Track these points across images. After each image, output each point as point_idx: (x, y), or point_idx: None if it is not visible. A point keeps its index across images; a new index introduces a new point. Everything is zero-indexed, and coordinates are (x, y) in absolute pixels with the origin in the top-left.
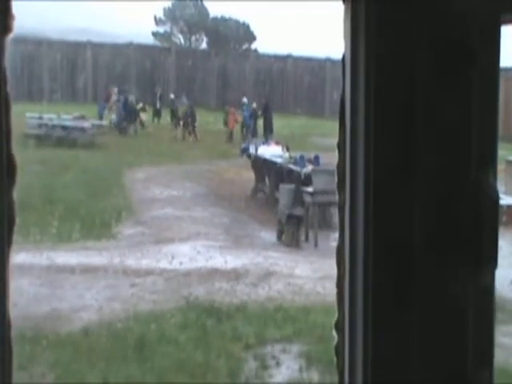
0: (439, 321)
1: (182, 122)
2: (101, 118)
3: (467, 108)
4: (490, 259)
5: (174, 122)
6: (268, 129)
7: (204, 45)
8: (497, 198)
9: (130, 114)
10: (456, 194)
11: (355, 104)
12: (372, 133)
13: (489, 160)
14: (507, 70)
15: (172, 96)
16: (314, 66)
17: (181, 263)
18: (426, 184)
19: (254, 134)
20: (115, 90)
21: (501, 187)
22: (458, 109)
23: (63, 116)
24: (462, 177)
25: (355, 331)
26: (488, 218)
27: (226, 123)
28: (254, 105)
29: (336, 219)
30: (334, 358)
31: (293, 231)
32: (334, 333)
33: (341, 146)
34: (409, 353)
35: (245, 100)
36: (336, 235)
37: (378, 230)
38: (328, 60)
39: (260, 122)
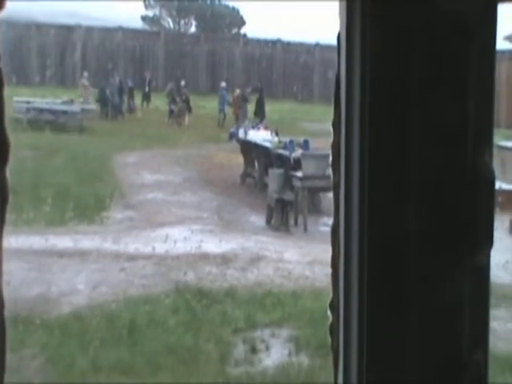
0: (434, 302)
1: (178, 107)
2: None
3: (464, 87)
4: (485, 239)
5: (177, 109)
6: (260, 113)
7: (193, 29)
8: (493, 179)
9: (119, 98)
10: (452, 174)
11: (350, 83)
12: (367, 112)
13: (485, 141)
14: None
15: (171, 85)
16: (303, 51)
17: (170, 247)
18: (422, 163)
19: (243, 117)
20: (85, 74)
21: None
22: (454, 88)
23: (52, 100)
24: (458, 157)
25: (350, 311)
26: (484, 198)
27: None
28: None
29: (325, 204)
30: (326, 340)
31: (282, 216)
32: (329, 313)
33: (336, 126)
34: (404, 334)
35: (223, 84)
36: (325, 220)
37: (373, 209)
38: (317, 45)
39: (246, 106)
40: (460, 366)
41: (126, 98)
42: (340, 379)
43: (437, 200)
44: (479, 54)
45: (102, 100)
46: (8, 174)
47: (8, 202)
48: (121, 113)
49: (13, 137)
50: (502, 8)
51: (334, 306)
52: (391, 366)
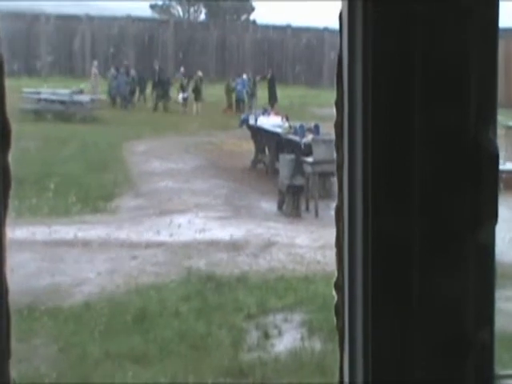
0: (438, 279)
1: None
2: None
3: (466, 64)
4: (489, 216)
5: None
6: (272, 99)
7: (203, 16)
8: (496, 154)
9: (129, 87)
10: (456, 150)
11: (352, 62)
12: (370, 90)
13: (488, 117)
14: (508, 30)
15: (182, 70)
16: (312, 36)
17: (181, 235)
18: (425, 140)
19: (252, 105)
20: (95, 63)
21: (501, 153)
22: (456, 65)
23: (61, 90)
24: (461, 133)
25: (355, 290)
26: (487, 173)
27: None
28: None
29: (336, 189)
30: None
31: (293, 201)
32: (334, 292)
33: (339, 105)
34: (408, 313)
35: (245, 76)
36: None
37: (377, 189)
38: (326, 30)
39: (259, 93)
40: (465, 345)
41: (135, 88)
42: (346, 359)
43: (440, 177)
44: (481, 33)
45: (111, 89)
46: (11, 160)
47: (11, 188)
48: (130, 102)
49: (23, 127)
50: None
51: (338, 286)
52: (396, 344)
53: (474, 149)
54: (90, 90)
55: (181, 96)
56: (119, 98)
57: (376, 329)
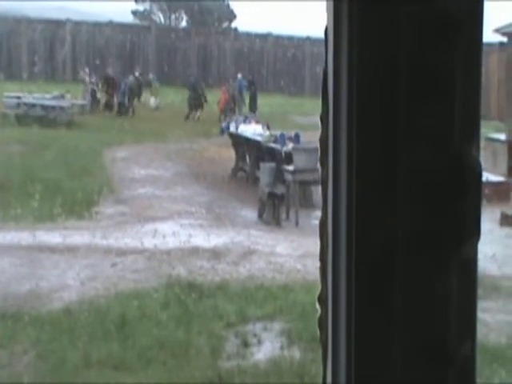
0: (421, 295)
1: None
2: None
3: (451, 80)
4: (472, 233)
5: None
6: (253, 106)
7: (184, 23)
8: (480, 171)
9: (128, 94)
10: (439, 168)
11: (338, 76)
12: (355, 105)
13: (472, 134)
14: (484, 45)
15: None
16: (294, 45)
17: (162, 242)
18: (409, 158)
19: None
20: (86, 70)
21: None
22: (441, 81)
23: (42, 95)
24: (444, 149)
25: (338, 304)
26: (471, 190)
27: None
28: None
29: (317, 197)
30: (317, 332)
31: (273, 209)
32: (318, 306)
33: (324, 119)
34: (391, 328)
35: (239, 76)
36: (317, 213)
37: (361, 204)
38: (308, 39)
39: (240, 101)
40: (447, 359)
41: (131, 97)
42: (329, 373)
43: (424, 194)
44: (466, 49)
45: (94, 95)
46: None
47: None
48: (112, 107)
49: (3, 132)
50: (489, 1)
51: (322, 300)
52: (379, 359)
53: (458, 165)
54: (81, 95)
55: (152, 102)
56: (102, 104)
57: (359, 342)
